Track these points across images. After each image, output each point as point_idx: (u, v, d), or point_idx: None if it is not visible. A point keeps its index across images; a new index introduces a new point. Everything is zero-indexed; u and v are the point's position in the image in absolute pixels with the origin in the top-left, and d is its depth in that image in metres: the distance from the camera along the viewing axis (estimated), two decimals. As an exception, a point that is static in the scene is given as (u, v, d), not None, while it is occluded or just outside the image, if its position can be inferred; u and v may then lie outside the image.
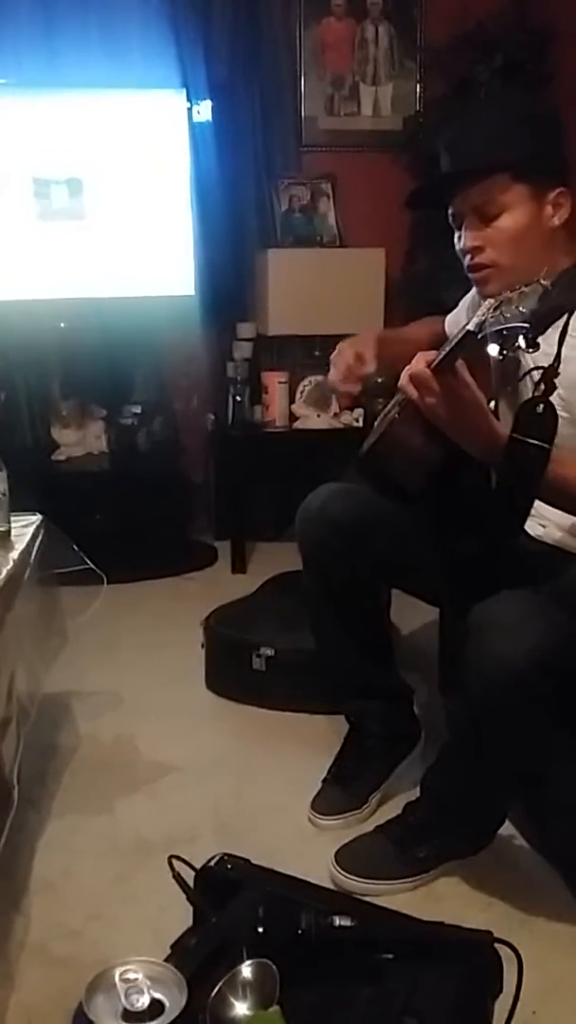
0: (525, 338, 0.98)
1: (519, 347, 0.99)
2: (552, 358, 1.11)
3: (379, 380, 1.72)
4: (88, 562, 1.91)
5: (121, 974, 0.94)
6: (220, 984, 0.89)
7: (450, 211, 1.48)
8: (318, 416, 3.28)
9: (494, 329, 1.00)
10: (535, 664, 1.28)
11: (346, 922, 0.94)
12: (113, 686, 2.27)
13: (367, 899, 1.45)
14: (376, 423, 1.65)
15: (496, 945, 0.99)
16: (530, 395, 1.12)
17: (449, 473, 1.42)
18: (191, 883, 1.11)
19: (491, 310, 1.04)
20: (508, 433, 1.27)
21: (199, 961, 0.94)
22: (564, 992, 1.30)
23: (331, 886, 1.50)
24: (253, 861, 1.25)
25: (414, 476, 1.50)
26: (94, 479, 3.22)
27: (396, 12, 3.44)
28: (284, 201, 3.47)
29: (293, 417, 3.29)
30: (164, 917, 1.31)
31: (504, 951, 1.10)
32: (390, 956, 0.94)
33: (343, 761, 1.79)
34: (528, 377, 1.07)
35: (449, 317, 1.77)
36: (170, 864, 1.11)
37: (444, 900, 1.49)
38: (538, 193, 1.42)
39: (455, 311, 1.76)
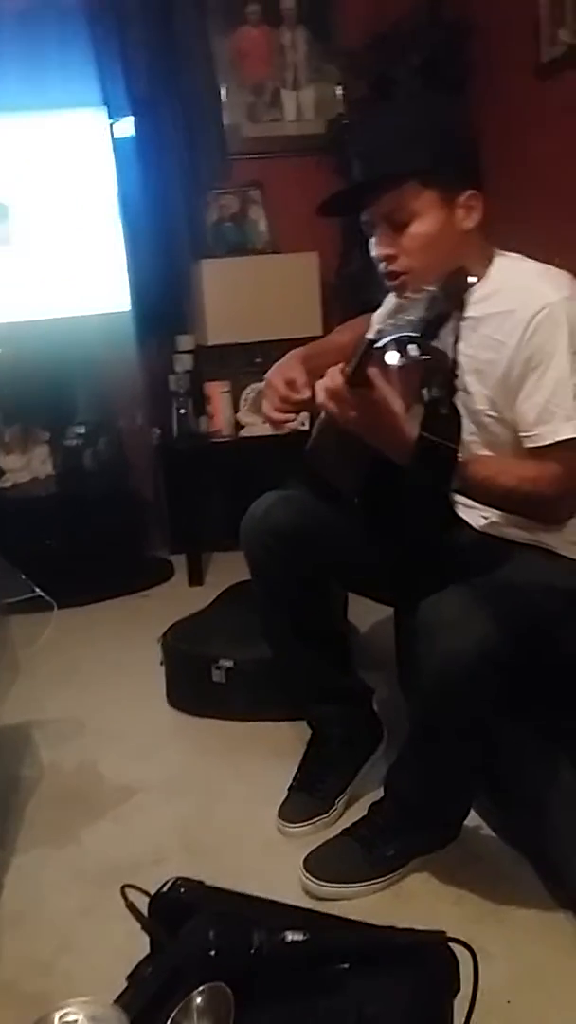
0: (417, 344, 1.00)
1: (412, 355, 1.00)
2: (450, 360, 1.12)
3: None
4: (36, 589, 1.89)
5: (61, 1017, 0.92)
6: (174, 1013, 0.88)
7: (362, 218, 1.47)
8: (264, 423, 3.27)
9: (389, 338, 1.02)
10: (484, 656, 1.29)
11: (298, 936, 0.93)
12: (74, 712, 2.24)
13: (338, 903, 1.46)
14: (314, 426, 1.66)
15: (452, 943, 0.99)
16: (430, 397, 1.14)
17: (383, 474, 1.43)
18: (147, 909, 1.09)
19: (387, 319, 1.06)
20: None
21: (153, 991, 0.92)
22: (537, 980, 1.30)
23: (302, 894, 1.50)
24: (220, 878, 1.23)
25: (348, 478, 1.51)
26: (42, 503, 3.18)
27: (311, 16, 3.46)
28: (214, 211, 3.47)
29: (239, 425, 3.29)
30: (132, 944, 1.29)
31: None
32: (345, 966, 0.93)
33: (307, 767, 1.78)
34: (433, 384, 1.09)
35: (375, 315, 1.78)
36: (123, 894, 1.09)
37: (414, 897, 1.50)
38: (448, 197, 1.41)
39: (381, 309, 1.76)
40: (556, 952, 1.36)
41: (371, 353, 1.11)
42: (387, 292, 1.69)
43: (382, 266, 1.46)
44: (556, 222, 2.67)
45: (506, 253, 1.48)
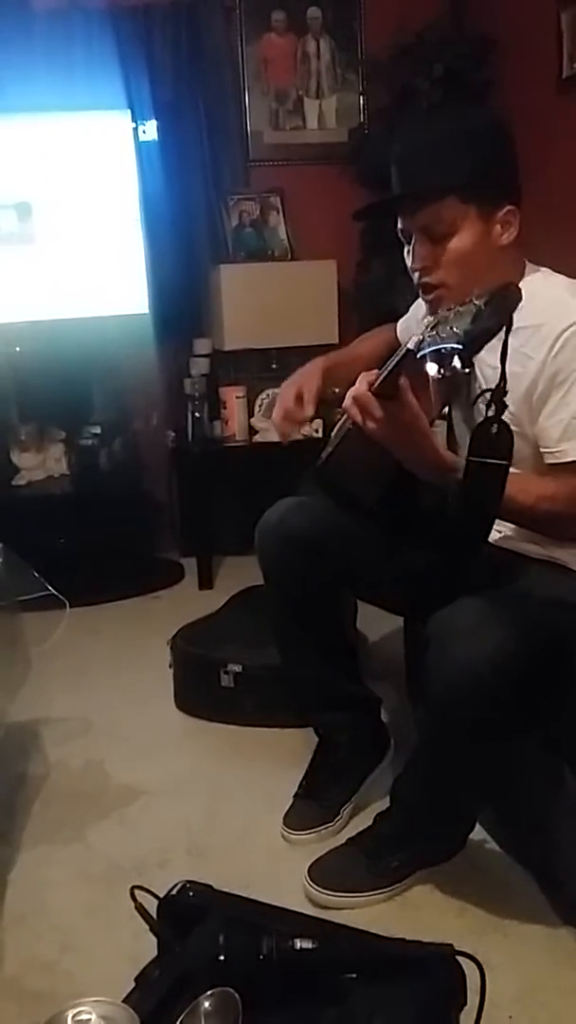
0: (460, 358, 0.99)
1: (455, 367, 1.00)
2: (498, 378, 1.12)
3: (335, 391, 1.74)
4: (49, 588, 1.90)
5: (74, 1016, 0.93)
6: (182, 1016, 0.89)
7: (399, 226, 1.48)
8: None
9: (431, 349, 1.01)
10: (497, 669, 1.29)
11: (307, 944, 0.94)
12: (81, 711, 2.25)
13: (342, 912, 1.46)
14: (333, 434, 1.66)
15: (460, 957, 0.99)
16: (483, 416, 1.13)
17: (404, 485, 1.44)
18: (156, 911, 1.10)
19: (428, 329, 1.04)
20: (450, 454, 1.30)
21: (161, 994, 0.93)
22: (539, 995, 1.30)
23: (305, 902, 1.50)
24: (224, 882, 1.24)
25: (368, 487, 1.51)
26: (55, 502, 3.20)
27: (336, 26, 3.48)
28: (234, 216, 3.48)
29: (253, 431, 3.29)
30: (137, 945, 1.30)
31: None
32: (353, 976, 0.94)
33: (313, 775, 1.78)
34: (480, 400, 1.08)
35: (401, 323, 1.79)
36: (132, 896, 1.10)
37: (418, 909, 1.49)
38: (488, 213, 1.41)
39: (407, 316, 1.77)
40: (558, 967, 1.35)
41: (407, 362, 1.11)
42: (412, 300, 1.70)
43: (417, 276, 1.47)
44: (573, 237, 2.67)
45: (536, 267, 1.49)
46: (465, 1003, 1.02)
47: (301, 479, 1.71)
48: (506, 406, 1.11)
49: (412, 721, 1.90)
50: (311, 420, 1.64)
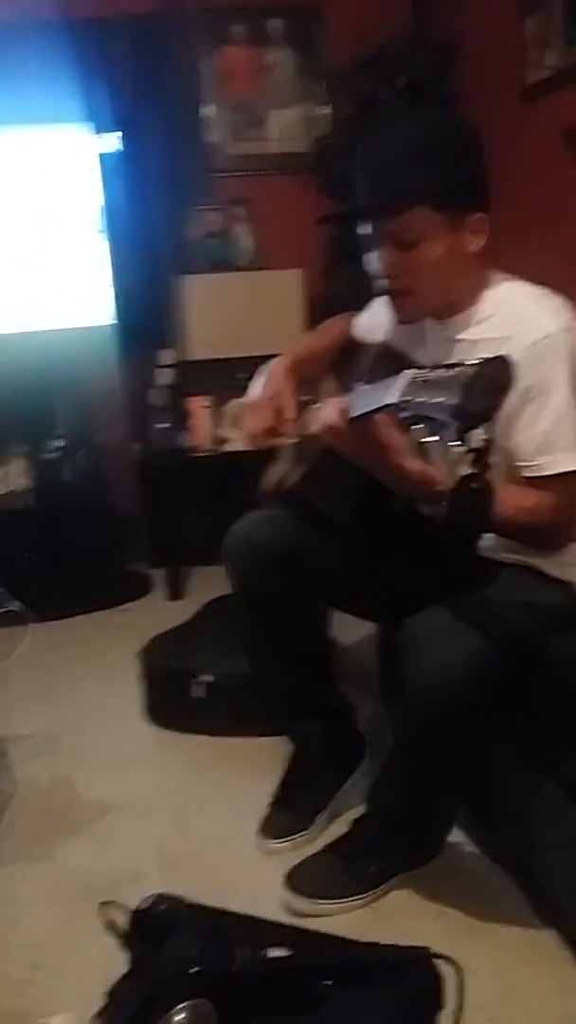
0: (455, 433, 0.97)
1: (445, 439, 0.98)
2: (483, 441, 1.11)
3: (308, 398, 1.72)
4: (13, 602, 1.87)
5: (47, 1032, 0.90)
6: (155, 1030, 0.87)
7: (364, 231, 1.44)
8: (241, 438, 3.27)
9: (420, 413, 0.99)
10: (472, 673, 1.29)
11: (281, 953, 0.92)
12: (49, 727, 2.21)
13: (319, 919, 1.44)
14: (296, 442, 1.65)
15: (438, 960, 0.98)
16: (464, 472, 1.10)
17: (375, 499, 1.43)
18: (128, 926, 1.07)
19: (415, 386, 1.01)
20: (430, 469, 1.28)
21: (134, 1008, 0.90)
22: (519, 997, 1.29)
23: (283, 910, 1.48)
24: (199, 895, 1.21)
25: (341, 503, 1.50)
26: (19, 517, 3.14)
27: (297, 37, 3.48)
28: (198, 227, 3.47)
29: (220, 440, 3.28)
30: (109, 961, 1.26)
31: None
32: (328, 983, 0.92)
33: (288, 783, 1.77)
34: (464, 460, 1.06)
35: (361, 321, 1.75)
36: (102, 911, 1.07)
37: (396, 914, 1.48)
38: (457, 222, 1.39)
39: (367, 315, 1.73)
40: (537, 969, 1.35)
41: (385, 412, 1.09)
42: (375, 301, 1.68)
43: (383, 283, 1.44)
44: (538, 245, 2.70)
45: (504, 275, 1.47)
46: (443, 1006, 1.00)
47: (263, 491, 1.69)
48: (489, 466, 1.09)
49: (387, 725, 1.88)
50: (294, 422, 1.59)
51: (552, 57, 2.69)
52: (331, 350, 1.74)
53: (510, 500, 1.32)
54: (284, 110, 3.54)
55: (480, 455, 1.05)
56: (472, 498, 1.09)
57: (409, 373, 1.03)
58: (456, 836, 1.60)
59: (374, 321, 1.68)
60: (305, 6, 3.45)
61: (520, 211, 2.80)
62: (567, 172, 2.62)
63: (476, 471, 1.05)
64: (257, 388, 1.63)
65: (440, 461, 1.35)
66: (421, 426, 0.99)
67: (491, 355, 1.03)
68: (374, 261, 1.45)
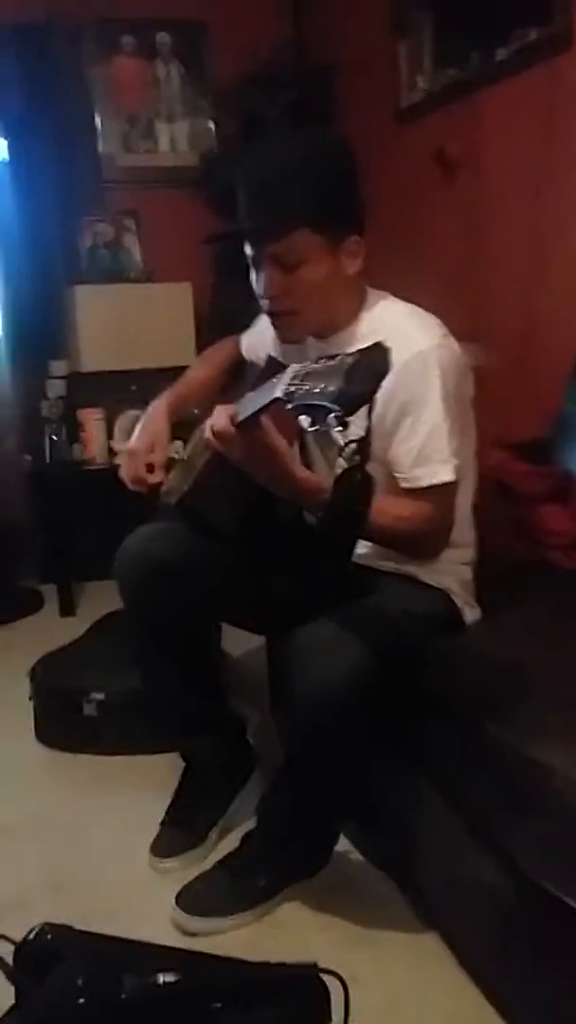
0: (337, 418, 1.00)
1: (328, 424, 1.01)
2: (364, 430, 1.15)
3: (196, 411, 1.74)
4: None
5: None
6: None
7: (248, 252, 1.48)
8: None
9: (303, 403, 1.02)
10: (353, 683, 1.32)
11: (170, 978, 0.92)
12: None
13: (211, 936, 1.45)
14: (187, 455, 1.67)
15: (323, 974, 1.00)
16: (346, 465, 1.14)
17: (261, 507, 1.46)
18: (12, 958, 1.06)
19: (298, 379, 1.04)
20: (312, 476, 1.33)
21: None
22: (405, 1001, 1.33)
23: (175, 930, 1.49)
24: (90, 918, 1.20)
25: (228, 515, 1.52)
26: None
27: (185, 52, 3.50)
28: (88, 238, 3.44)
29: (112, 453, 3.25)
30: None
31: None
32: (219, 1005, 0.93)
33: (179, 800, 1.77)
34: (344, 452, 1.09)
35: (245, 338, 1.79)
36: (-16, 943, 1.05)
37: (286, 926, 1.50)
38: (335, 244, 1.44)
39: (251, 333, 1.77)
40: (424, 974, 1.39)
41: (274, 407, 1.11)
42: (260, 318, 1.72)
43: (267, 304, 1.48)
44: (411, 261, 2.78)
45: (379, 293, 1.53)
46: (330, 1020, 1.02)
47: (160, 504, 1.70)
48: (369, 457, 1.13)
49: (277, 739, 1.91)
50: (163, 468, 1.64)
51: (424, 80, 2.78)
52: (220, 375, 1.77)
53: (388, 510, 1.37)
54: (173, 123, 3.55)
55: (361, 445, 1.09)
56: (353, 491, 1.13)
57: (293, 368, 1.07)
58: (342, 845, 1.63)
59: (259, 340, 1.72)
60: (192, 21, 3.47)
61: (395, 229, 2.89)
62: (438, 192, 2.71)
63: (357, 461, 1.09)
64: (137, 432, 1.68)
65: (324, 451, 1.38)
66: (305, 416, 1.02)
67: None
68: (258, 281, 1.48)
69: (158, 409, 1.70)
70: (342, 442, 1.17)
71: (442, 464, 1.40)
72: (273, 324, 1.53)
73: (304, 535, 1.57)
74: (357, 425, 1.12)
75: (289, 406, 1.04)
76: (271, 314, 1.51)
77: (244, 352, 1.79)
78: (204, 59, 3.50)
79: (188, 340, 3.29)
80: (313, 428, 1.03)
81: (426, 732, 1.45)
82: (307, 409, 1.03)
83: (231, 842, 1.67)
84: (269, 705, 2.05)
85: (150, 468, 1.63)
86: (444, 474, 1.40)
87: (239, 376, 1.80)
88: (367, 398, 1.04)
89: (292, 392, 1.04)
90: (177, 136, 3.56)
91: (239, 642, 2.33)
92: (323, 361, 1.05)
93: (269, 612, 1.68)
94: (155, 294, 3.36)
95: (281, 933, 1.49)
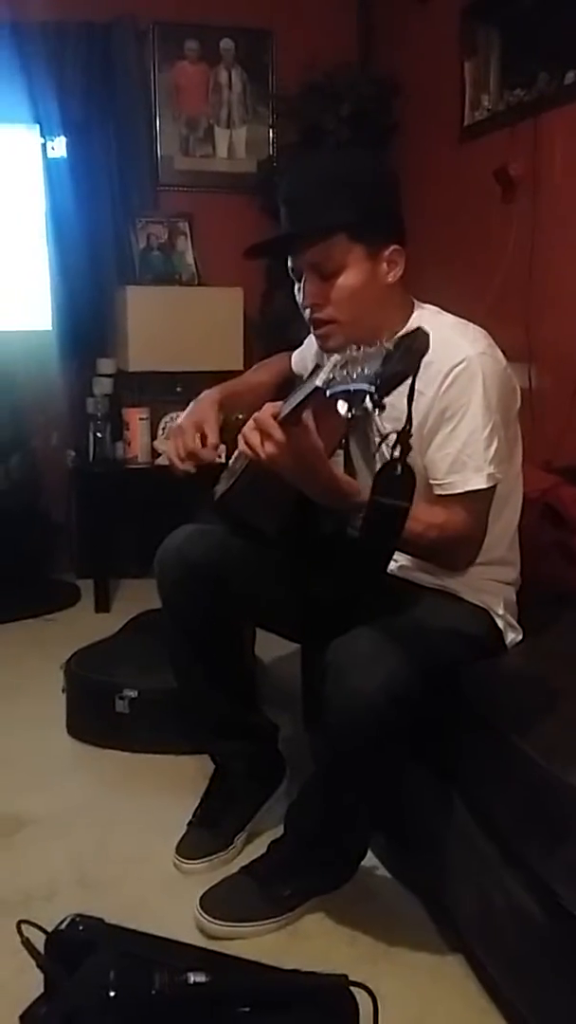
0: (372, 399, 1.01)
1: (366, 408, 1.02)
2: (404, 421, 1.15)
3: (239, 417, 1.74)
4: None
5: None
6: (71, 1053, 0.87)
7: (289, 264, 1.51)
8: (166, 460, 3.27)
9: (341, 388, 1.03)
10: (389, 698, 1.32)
11: (200, 978, 0.93)
12: (-33, 737, 2.18)
13: (234, 942, 1.45)
14: (230, 463, 1.67)
15: (353, 987, 1.00)
16: (388, 457, 1.15)
17: (305, 515, 1.46)
18: (43, 946, 1.07)
19: (337, 368, 1.05)
20: (349, 480, 1.32)
21: (49, 1032, 0.90)
22: (427, 1022, 1.32)
23: (198, 932, 1.49)
24: (115, 914, 1.22)
25: (269, 519, 1.53)
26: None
27: (248, 59, 3.53)
28: (142, 239, 3.47)
29: (155, 453, 3.27)
30: (21, 982, 1.26)
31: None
32: (246, 1009, 0.93)
33: (208, 803, 1.77)
34: (385, 442, 1.10)
35: (296, 354, 1.81)
36: (19, 930, 1.06)
37: (309, 938, 1.50)
38: (374, 252, 1.46)
39: (301, 348, 1.79)
40: (446, 994, 1.38)
41: (314, 398, 1.12)
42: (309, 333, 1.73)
43: (307, 312, 1.50)
44: (469, 277, 2.78)
45: (424, 305, 1.54)
46: (358, 1033, 1.02)
47: (202, 506, 1.71)
48: (411, 448, 1.14)
49: (308, 747, 1.91)
50: (216, 447, 1.63)
51: (488, 100, 2.78)
52: (273, 384, 1.78)
53: (421, 516, 1.35)
54: (232, 129, 3.57)
55: (402, 436, 1.10)
56: (394, 485, 1.13)
57: (334, 358, 1.07)
58: (369, 860, 1.62)
59: (307, 353, 1.73)
60: (257, 29, 3.50)
61: (452, 245, 2.89)
62: (498, 211, 2.71)
63: (399, 453, 1.09)
64: (184, 415, 1.67)
65: (368, 462, 1.36)
66: (343, 402, 1.03)
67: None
68: (299, 291, 1.50)
69: (209, 397, 1.68)
70: (382, 425, 1.17)
71: (476, 472, 1.40)
72: (315, 334, 1.54)
73: (344, 543, 1.57)
74: (397, 417, 1.12)
75: (328, 393, 1.05)
76: (312, 322, 1.52)
77: (294, 367, 1.81)
78: (267, 67, 3.53)
79: (236, 345, 3.31)
80: (351, 414, 1.04)
81: (462, 751, 1.44)
82: (344, 394, 1.04)
83: (257, 847, 1.67)
84: (302, 714, 2.05)
85: (195, 451, 1.59)
86: (478, 481, 1.39)
87: (287, 391, 1.81)
88: (404, 376, 1.05)
89: (331, 379, 1.05)
90: (235, 142, 3.59)
91: (272, 648, 2.34)
92: (363, 349, 1.06)
93: (306, 619, 1.68)
94: (206, 297, 3.39)
95: (304, 943, 1.49)
